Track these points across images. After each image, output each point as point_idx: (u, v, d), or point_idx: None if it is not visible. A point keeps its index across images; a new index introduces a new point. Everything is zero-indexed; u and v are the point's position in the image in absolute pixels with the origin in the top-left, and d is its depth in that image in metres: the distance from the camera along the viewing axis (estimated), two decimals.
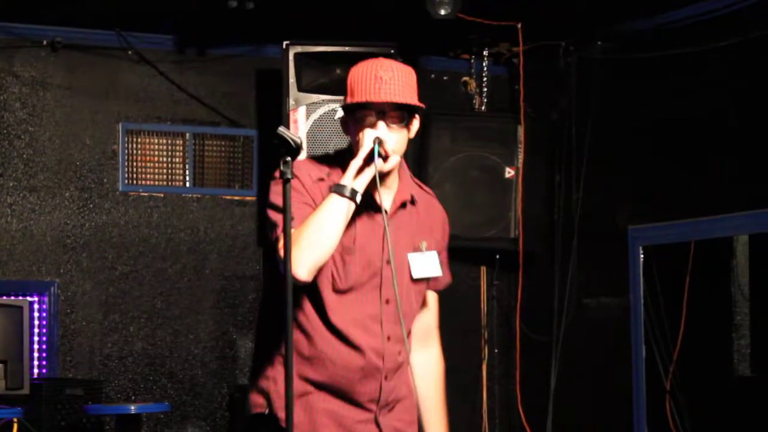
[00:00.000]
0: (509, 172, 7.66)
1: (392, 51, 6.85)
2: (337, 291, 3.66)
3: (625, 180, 7.44)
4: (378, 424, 3.75)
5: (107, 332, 7.48)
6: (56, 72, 7.47)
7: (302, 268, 3.48)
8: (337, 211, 3.54)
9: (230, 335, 7.75)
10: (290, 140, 3.41)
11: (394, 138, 3.65)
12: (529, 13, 7.29)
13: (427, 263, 3.82)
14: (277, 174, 3.53)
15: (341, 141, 6.78)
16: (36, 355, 7.25)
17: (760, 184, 6.61)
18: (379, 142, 3.60)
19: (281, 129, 3.45)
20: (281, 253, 3.44)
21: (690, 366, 7.23)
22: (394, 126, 3.66)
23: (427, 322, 3.97)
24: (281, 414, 3.63)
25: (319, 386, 3.70)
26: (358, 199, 3.57)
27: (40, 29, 7.36)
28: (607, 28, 7.45)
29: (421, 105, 3.71)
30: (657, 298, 7.28)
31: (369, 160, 3.61)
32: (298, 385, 3.63)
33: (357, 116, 3.67)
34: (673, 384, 7.21)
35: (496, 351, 8.13)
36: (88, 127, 7.52)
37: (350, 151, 3.74)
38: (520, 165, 7.67)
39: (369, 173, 3.60)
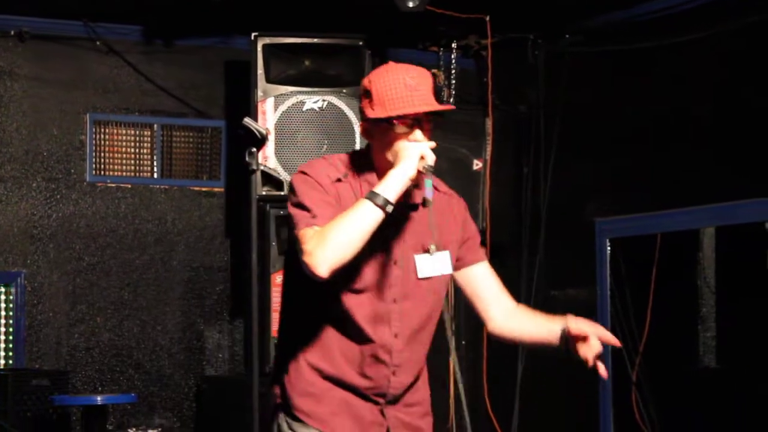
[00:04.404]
0: (477, 164, 7.69)
1: (360, 43, 6.86)
2: (351, 290, 3.69)
3: (592, 172, 7.47)
4: (383, 416, 3.79)
5: (74, 323, 7.46)
6: (24, 62, 7.43)
7: (324, 266, 3.48)
8: (367, 217, 3.53)
9: (197, 326, 7.74)
10: (256, 131, 3.43)
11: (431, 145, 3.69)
12: (497, 6, 7.31)
13: (436, 263, 3.84)
14: (302, 168, 3.60)
15: (309, 132, 6.82)
16: (2, 345, 7.24)
17: (726, 177, 6.65)
18: (429, 167, 3.59)
19: (247, 120, 3.46)
20: (306, 250, 3.47)
21: (656, 358, 7.27)
22: (428, 133, 3.68)
23: (494, 294, 4.12)
24: (295, 401, 3.72)
25: (331, 378, 3.75)
26: (389, 209, 3.56)
27: (8, 19, 7.32)
28: (575, 21, 7.49)
29: (452, 107, 3.74)
30: (623, 290, 7.32)
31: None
32: (311, 377, 3.73)
33: (387, 125, 3.65)
34: (639, 375, 7.26)
35: (463, 342, 8.15)
36: (56, 117, 7.49)
37: (366, 155, 3.76)
38: (488, 157, 7.70)
39: (403, 185, 3.58)
